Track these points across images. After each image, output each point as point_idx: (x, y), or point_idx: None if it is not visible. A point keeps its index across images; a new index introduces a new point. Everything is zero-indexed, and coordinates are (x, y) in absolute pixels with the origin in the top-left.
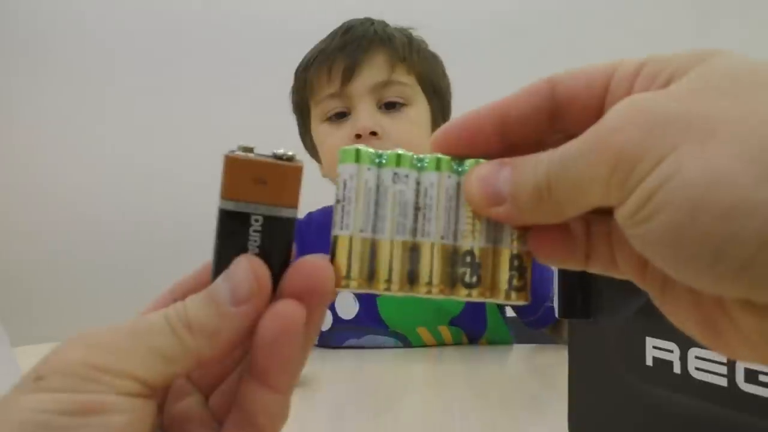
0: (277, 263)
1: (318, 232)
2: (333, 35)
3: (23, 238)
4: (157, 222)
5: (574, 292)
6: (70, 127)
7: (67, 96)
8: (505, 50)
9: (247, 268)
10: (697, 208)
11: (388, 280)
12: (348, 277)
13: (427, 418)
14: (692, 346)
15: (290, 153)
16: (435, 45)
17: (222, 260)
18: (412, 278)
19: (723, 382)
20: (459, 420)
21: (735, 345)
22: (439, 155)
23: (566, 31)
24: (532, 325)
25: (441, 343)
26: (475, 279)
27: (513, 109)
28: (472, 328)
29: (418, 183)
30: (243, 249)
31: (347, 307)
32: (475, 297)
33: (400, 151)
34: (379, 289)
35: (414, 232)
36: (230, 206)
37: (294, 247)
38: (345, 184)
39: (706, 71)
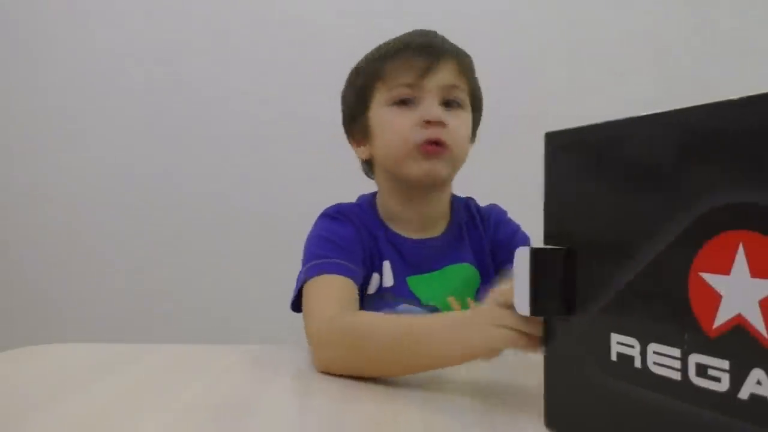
0: None
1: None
2: (409, 38)
3: (24, 239)
4: (157, 223)
5: (552, 288)
6: (72, 127)
7: (69, 95)
8: (505, 49)
9: None
10: None
11: None
12: None
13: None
14: (651, 342)
15: None
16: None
17: None
18: None
19: (677, 376)
20: (459, 416)
21: None
22: None
23: (565, 32)
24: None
25: None
26: None
27: None
28: None
29: None
30: None
31: (387, 275)
32: None
33: None
34: None
35: None
36: None
37: None
38: None
39: None
